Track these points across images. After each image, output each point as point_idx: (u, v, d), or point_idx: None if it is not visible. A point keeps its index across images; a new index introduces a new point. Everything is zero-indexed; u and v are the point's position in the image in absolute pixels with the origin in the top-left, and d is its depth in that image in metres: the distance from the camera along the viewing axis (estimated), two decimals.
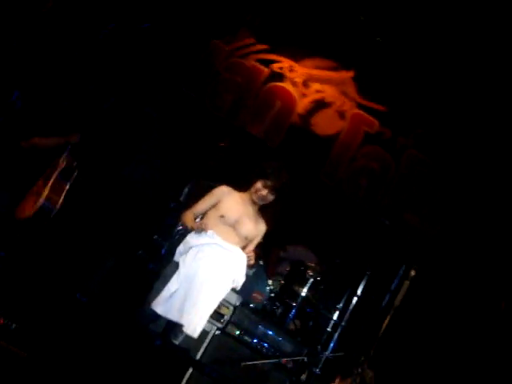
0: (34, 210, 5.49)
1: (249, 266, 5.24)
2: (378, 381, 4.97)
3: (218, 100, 7.77)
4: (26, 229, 5.55)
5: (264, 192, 5.21)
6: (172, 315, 4.81)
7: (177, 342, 5.00)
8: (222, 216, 5.14)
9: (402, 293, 5.05)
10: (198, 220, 5.32)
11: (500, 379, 6.22)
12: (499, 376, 6.26)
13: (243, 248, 5.26)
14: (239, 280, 5.20)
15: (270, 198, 5.24)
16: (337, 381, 5.11)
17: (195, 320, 4.85)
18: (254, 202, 5.31)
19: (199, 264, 4.91)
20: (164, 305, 4.81)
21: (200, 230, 4.98)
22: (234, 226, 5.18)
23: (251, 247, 5.33)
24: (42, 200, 5.50)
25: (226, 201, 5.22)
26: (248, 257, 5.15)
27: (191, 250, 4.98)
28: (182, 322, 4.79)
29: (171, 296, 4.83)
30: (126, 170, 7.40)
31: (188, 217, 5.21)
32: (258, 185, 5.22)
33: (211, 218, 5.17)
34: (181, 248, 5.10)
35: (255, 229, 5.32)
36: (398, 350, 6.33)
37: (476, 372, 6.44)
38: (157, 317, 4.89)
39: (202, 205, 5.27)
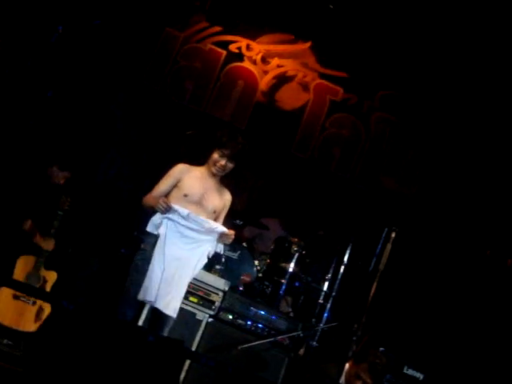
0: None
1: (222, 242, 5.15)
2: (373, 345, 5.00)
3: (179, 88, 7.72)
4: None
5: (222, 162, 5.07)
6: (150, 297, 4.84)
7: (165, 334, 4.97)
8: (185, 195, 5.02)
9: (385, 256, 5.07)
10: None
11: (489, 335, 6.33)
12: (488, 333, 6.36)
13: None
14: (211, 251, 5.14)
15: (230, 166, 5.11)
16: (348, 364, 5.09)
17: (170, 299, 4.90)
18: (214, 175, 5.17)
19: (173, 242, 4.89)
20: (142, 289, 4.84)
21: (164, 206, 4.87)
22: (199, 202, 5.07)
23: (221, 221, 5.25)
24: None
25: (186, 179, 5.08)
26: (227, 235, 5.08)
27: (167, 222, 4.92)
28: (159, 304, 4.84)
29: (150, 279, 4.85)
30: (101, 168, 7.38)
31: (149, 199, 5.06)
32: (215, 155, 5.08)
33: (174, 198, 5.03)
34: (155, 219, 4.98)
35: (221, 200, 5.22)
36: (388, 313, 6.41)
37: (467, 330, 6.53)
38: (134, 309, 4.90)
39: (161, 186, 5.10)
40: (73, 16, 6.93)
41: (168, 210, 4.88)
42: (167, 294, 4.90)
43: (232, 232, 5.13)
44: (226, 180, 5.36)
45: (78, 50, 7.13)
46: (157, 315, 5.03)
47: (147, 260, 4.94)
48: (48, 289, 5.61)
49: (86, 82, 7.30)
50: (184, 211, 4.93)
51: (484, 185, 7.46)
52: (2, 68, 6.20)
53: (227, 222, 5.42)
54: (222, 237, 5.09)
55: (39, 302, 5.57)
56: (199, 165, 5.25)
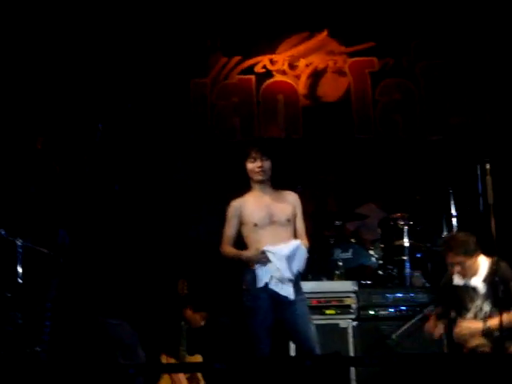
0: None
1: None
2: None
3: (228, 128, 7.82)
4: None
5: (258, 164, 4.93)
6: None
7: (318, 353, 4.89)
8: (255, 225, 4.88)
9: (489, 189, 4.93)
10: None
11: None
12: None
13: (295, 231, 5.04)
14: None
15: (266, 165, 4.95)
16: None
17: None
18: (262, 186, 5.01)
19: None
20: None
21: (259, 257, 4.81)
22: (271, 221, 4.91)
23: (300, 221, 5.08)
24: None
25: (245, 210, 4.94)
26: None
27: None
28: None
29: None
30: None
31: (228, 249, 4.95)
32: (249, 166, 4.97)
33: (249, 233, 4.94)
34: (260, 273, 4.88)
35: (287, 205, 5.02)
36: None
37: None
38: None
39: (228, 231, 4.97)
40: (105, 111, 7.12)
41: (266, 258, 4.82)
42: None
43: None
44: (307, 191, 5.25)
45: (123, 139, 7.31)
46: (300, 340, 4.97)
47: (252, 296, 4.87)
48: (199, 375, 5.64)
49: (144, 165, 7.46)
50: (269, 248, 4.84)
51: None
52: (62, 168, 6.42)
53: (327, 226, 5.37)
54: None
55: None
56: (248, 191, 5.12)
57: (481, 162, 5.41)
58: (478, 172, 5.76)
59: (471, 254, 4.91)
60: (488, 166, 5.11)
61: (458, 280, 5.01)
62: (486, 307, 4.89)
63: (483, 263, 4.97)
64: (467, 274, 4.94)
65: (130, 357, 5.15)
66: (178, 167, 7.70)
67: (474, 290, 4.94)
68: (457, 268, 4.92)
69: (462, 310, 5.00)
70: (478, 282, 4.93)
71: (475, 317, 4.91)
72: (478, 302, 4.93)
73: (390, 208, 7.06)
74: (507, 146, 7.16)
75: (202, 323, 5.90)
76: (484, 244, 5.11)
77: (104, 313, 5.37)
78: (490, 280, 4.85)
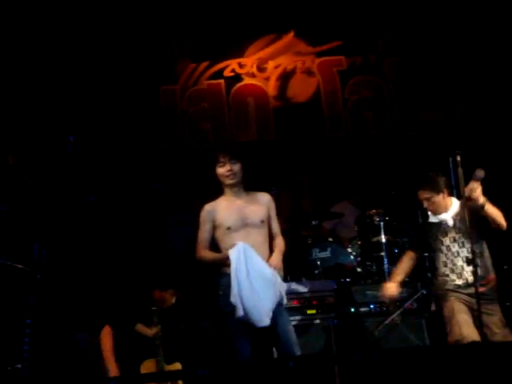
0: None
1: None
2: None
3: (199, 134, 7.82)
4: None
5: (227, 167, 4.89)
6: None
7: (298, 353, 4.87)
8: (228, 228, 4.84)
9: (461, 180, 4.99)
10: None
11: None
12: None
13: (270, 233, 5.01)
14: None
15: (236, 168, 4.90)
16: None
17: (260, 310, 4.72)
18: (234, 190, 4.97)
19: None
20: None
21: (224, 257, 4.78)
22: (244, 224, 4.87)
23: (274, 222, 5.04)
24: None
25: (218, 214, 4.91)
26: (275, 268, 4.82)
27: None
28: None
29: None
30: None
31: (203, 253, 4.92)
32: (218, 170, 4.93)
33: (223, 237, 4.90)
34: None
35: (260, 207, 4.98)
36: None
37: None
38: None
39: (202, 235, 4.93)
40: (75, 122, 7.08)
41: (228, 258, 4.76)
42: (254, 308, 4.72)
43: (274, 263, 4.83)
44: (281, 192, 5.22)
45: (95, 150, 7.27)
46: (279, 342, 4.95)
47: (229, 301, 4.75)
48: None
49: (116, 174, 7.42)
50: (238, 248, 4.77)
51: None
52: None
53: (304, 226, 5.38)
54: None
55: None
56: (220, 195, 5.09)
57: (452, 154, 5.46)
58: (450, 165, 5.80)
59: (438, 190, 5.15)
60: (459, 158, 5.16)
61: (431, 218, 5.25)
62: (460, 239, 5.09)
63: (455, 202, 5.24)
64: (437, 210, 5.18)
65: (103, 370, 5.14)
66: (152, 175, 7.68)
67: (446, 224, 5.16)
68: (425, 203, 5.18)
69: (437, 244, 5.20)
70: (448, 216, 5.17)
71: (448, 249, 5.14)
72: (452, 234, 5.14)
73: (365, 205, 7.08)
74: (477, 138, 7.22)
75: (173, 301, 5.86)
76: None
77: (76, 327, 5.35)
78: (460, 214, 5.08)
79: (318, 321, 5.91)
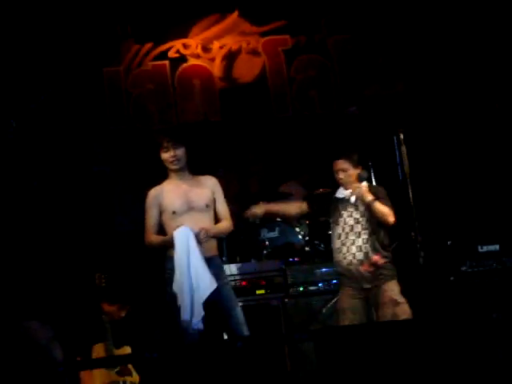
0: None
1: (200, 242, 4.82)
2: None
3: (145, 116, 7.72)
4: None
5: (171, 153, 4.88)
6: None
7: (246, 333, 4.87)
8: (174, 212, 4.85)
9: (405, 158, 5.07)
10: None
11: None
12: None
13: (216, 216, 5.03)
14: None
15: (179, 152, 4.89)
16: None
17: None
18: (179, 174, 4.97)
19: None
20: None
21: (170, 239, 4.78)
22: (189, 208, 4.88)
23: (221, 205, 5.06)
24: None
25: (163, 198, 4.91)
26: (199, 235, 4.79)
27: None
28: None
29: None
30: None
31: (152, 238, 4.91)
32: (163, 156, 4.91)
33: (169, 221, 4.88)
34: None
35: (205, 190, 4.99)
36: (437, 208, 6.40)
37: None
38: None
39: (149, 220, 4.93)
40: (17, 106, 6.94)
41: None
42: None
43: (199, 229, 4.79)
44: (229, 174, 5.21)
45: (38, 134, 7.14)
46: (227, 323, 4.95)
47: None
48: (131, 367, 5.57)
49: (60, 158, 7.30)
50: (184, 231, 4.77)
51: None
52: None
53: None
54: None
55: (129, 380, 5.56)
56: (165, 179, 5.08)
57: (395, 132, 5.53)
58: (395, 142, 5.87)
59: (355, 164, 5.26)
60: (402, 136, 5.23)
61: (339, 193, 5.35)
62: (356, 215, 5.20)
63: (363, 183, 5.31)
64: (348, 184, 5.26)
65: (46, 358, 5.07)
66: (97, 159, 7.58)
67: (348, 200, 5.26)
68: (341, 174, 5.25)
69: (336, 217, 5.30)
70: (346, 193, 5.28)
71: (345, 223, 5.23)
72: (351, 209, 5.23)
73: (312, 184, 7.12)
74: (421, 115, 7.31)
75: (123, 314, 5.85)
76: (403, 212, 5.27)
77: (20, 314, 5.26)
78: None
79: (267, 301, 5.94)
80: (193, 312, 4.66)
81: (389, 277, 5.13)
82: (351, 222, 5.21)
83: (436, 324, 3.99)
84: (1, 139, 5.80)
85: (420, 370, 3.76)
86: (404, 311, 5.00)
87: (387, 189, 5.39)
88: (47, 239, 6.44)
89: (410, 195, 4.93)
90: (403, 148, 5.13)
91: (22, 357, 5.08)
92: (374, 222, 5.15)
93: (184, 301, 4.67)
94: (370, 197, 5.10)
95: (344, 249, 5.18)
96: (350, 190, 5.24)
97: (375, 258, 5.09)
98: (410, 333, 4.04)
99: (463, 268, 5.74)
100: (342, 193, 5.32)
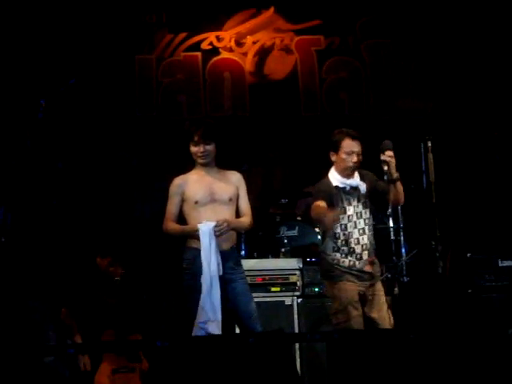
0: None
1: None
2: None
3: (174, 106, 7.74)
4: None
5: (200, 148, 4.84)
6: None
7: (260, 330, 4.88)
8: (196, 202, 4.80)
9: (431, 166, 5.02)
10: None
11: None
12: None
13: (238, 211, 4.97)
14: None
15: (209, 148, 4.85)
16: None
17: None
18: (205, 166, 4.93)
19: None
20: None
21: (193, 229, 4.76)
22: (212, 200, 4.84)
23: (244, 200, 4.98)
24: None
25: (187, 188, 4.87)
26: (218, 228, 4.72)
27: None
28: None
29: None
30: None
31: (171, 226, 4.87)
32: (192, 149, 4.88)
33: (190, 211, 4.85)
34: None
35: (230, 185, 4.95)
36: (459, 218, 6.36)
37: None
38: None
39: (171, 208, 4.89)
40: (48, 87, 6.98)
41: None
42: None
43: (220, 221, 4.72)
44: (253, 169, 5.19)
45: (67, 116, 7.18)
46: (241, 318, 4.96)
47: (192, 275, 4.79)
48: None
49: (86, 141, 7.34)
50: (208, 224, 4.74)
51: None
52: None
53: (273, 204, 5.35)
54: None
55: (138, 367, 5.57)
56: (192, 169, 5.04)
57: (423, 139, 5.48)
58: (422, 150, 5.83)
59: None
60: (430, 144, 5.19)
61: (338, 181, 5.01)
62: (359, 208, 4.98)
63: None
64: (353, 171, 5.02)
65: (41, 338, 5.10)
66: (122, 145, 7.61)
67: (356, 188, 5.01)
68: (355, 158, 4.97)
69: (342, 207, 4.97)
70: (358, 182, 5.02)
71: (349, 219, 4.95)
72: (354, 203, 4.98)
73: None
74: (449, 124, 7.26)
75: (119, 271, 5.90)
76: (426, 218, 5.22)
77: (25, 294, 5.29)
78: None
79: (281, 298, 5.93)
80: (214, 310, 4.68)
81: (378, 275, 5.08)
82: (354, 218, 4.99)
83: (450, 335, 3.96)
84: (31, 118, 5.82)
85: (431, 380, 3.73)
86: (390, 314, 4.95)
87: (411, 195, 5.35)
88: (64, 221, 6.48)
89: (434, 203, 4.88)
90: (430, 155, 5.08)
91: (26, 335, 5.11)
92: (371, 215, 5.01)
93: (205, 297, 4.67)
94: (397, 173, 4.86)
95: (345, 249, 4.94)
96: (356, 180, 4.97)
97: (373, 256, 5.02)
98: (422, 342, 4.02)
99: (482, 281, 5.69)
100: (343, 182, 5.00)
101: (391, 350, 3.91)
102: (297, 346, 5.62)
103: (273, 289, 5.97)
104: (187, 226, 4.87)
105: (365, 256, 4.98)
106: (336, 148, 5.08)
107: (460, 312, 5.46)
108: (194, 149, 4.92)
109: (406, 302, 6.02)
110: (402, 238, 6.67)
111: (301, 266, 6.08)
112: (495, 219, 6.65)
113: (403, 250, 6.64)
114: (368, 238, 5.01)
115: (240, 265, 5.00)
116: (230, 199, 4.93)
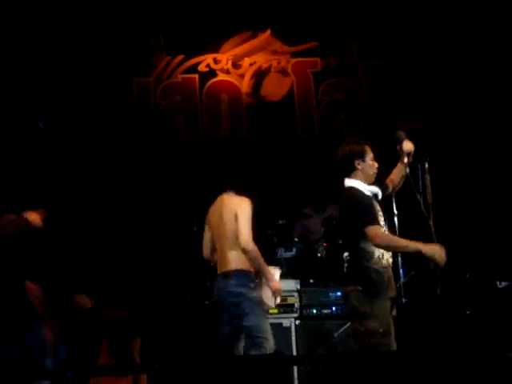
0: None
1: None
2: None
3: (171, 127, 7.77)
4: None
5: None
6: None
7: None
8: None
9: (428, 187, 5.02)
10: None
11: None
12: None
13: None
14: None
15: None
16: None
17: None
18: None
19: None
20: None
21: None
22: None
23: (241, 226, 5.05)
24: None
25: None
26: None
27: None
28: None
29: None
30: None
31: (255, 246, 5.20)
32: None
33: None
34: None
35: (228, 211, 5.12)
36: (456, 238, 6.35)
37: None
38: None
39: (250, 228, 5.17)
40: (47, 110, 7.02)
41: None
42: None
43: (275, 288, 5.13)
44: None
45: (66, 138, 7.20)
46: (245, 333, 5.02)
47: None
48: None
49: (88, 164, 7.35)
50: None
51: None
52: None
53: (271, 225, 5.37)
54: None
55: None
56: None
57: (421, 160, 5.49)
58: (419, 171, 5.84)
59: None
60: (427, 165, 5.20)
61: (367, 190, 4.65)
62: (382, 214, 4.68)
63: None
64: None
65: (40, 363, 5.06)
66: (121, 166, 7.61)
67: (376, 196, 4.71)
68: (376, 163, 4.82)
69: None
70: (378, 189, 4.77)
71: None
72: (381, 212, 4.67)
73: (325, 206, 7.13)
74: (446, 145, 7.29)
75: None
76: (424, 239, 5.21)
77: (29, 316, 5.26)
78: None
79: (279, 320, 5.91)
80: None
81: None
82: (385, 227, 4.73)
83: (449, 357, 3.95)
84: (30, 140, 5.84)
85: None
86: None
87: (408, 217, 5.35)
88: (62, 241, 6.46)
89: (431, 224, 4.87)
90: (427, 177, 5.08)
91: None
92: None
93: None
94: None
95: (386, 254, 4.52)
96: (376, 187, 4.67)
97: None
98: (422, 363, 4.01)
99: (480, 302, 5.69)
100: (369, 190, 4.67)
101: (391, 371, 3.90)
102: (295, 368, 5.59)
103: (271, 310, 5.93)
104: (265, 265, 5.20)
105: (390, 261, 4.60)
106: (362, 155, 4.77)
107: (458, 333, 5.44)
108: None
109: (404, 323, 6.01)
110: (399, 259, 6.67)
111: (299, 287, 6.06)
112: (494, 240, 6.65)
113: (401, 272, 6.64)
114: None
115: (247, 285, 5.15)
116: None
